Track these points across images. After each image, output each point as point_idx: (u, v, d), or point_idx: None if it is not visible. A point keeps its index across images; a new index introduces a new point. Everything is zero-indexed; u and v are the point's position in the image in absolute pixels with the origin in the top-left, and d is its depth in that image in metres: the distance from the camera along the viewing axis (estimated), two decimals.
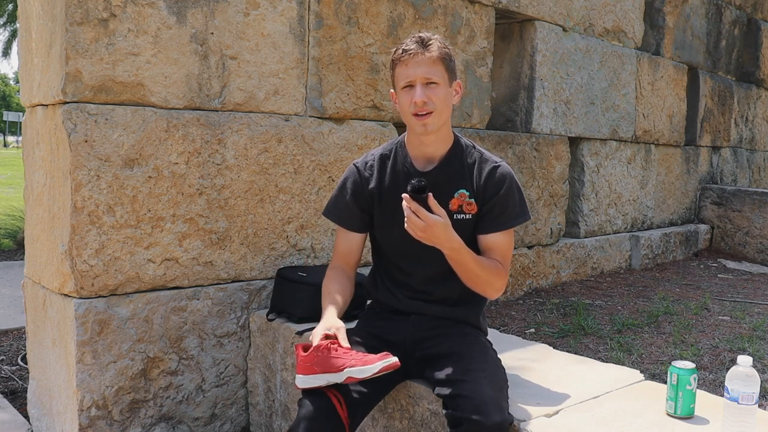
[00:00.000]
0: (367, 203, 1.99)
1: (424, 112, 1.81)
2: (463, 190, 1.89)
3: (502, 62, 4.34)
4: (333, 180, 2.98)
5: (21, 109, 42.72)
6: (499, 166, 1.91)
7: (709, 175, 6.48)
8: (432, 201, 1.72)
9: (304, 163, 2.89)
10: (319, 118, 2.95)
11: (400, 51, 1.83)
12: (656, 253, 5.50)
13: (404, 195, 1.72)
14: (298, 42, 2.84)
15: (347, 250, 2.03)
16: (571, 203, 4.79)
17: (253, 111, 2.72)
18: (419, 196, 1.71)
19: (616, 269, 5.13)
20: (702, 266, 5.57)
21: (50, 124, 2.39)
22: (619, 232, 5.24)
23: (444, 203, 1.82)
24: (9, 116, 47.50)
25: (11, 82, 59.83)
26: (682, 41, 5.79)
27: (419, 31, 1.96)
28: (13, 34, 10.44)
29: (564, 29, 4.43)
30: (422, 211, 1.71)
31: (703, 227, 6.14)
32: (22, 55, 2.67)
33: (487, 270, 1.84)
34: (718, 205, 6.19)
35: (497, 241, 1.90)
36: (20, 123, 17.24)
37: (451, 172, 1.91)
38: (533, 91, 4.25)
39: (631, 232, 5.38)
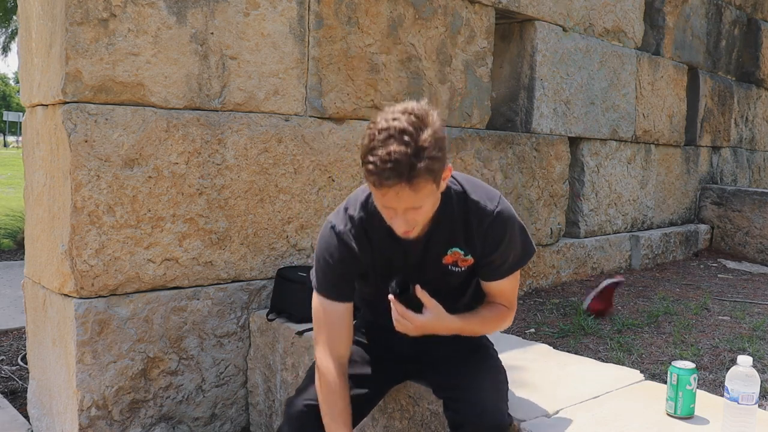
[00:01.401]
0: (358, 271, 1.75)
1: (406, 231, 1.57)
2: (456, 249, 1.68)
3: (502, 62, 4.34)
4: (333, 180, 2.98)
5: (21, 109, 42.71)
6: (495, 215, 1.64)
7: (709, 175, 6.48)
8: (420, 293, 1.61)
9: (304, 163, 2.89)
10: (319, 118, 2.95)
11: (374, 176, 1.41)
12: (656, 253, 5.50)
13: (390, 297, 1.61)
14: (298, 42, 2.84)
15: (347, 327, 1.73)
16: (571, 203, 4.79)
17: (253, 111, 2.72)
18: (406, 296, 1.62)
19: (616, 269, 5.13)
20: (702, 266, 5.56)
21: (50, 124, 2.39)
22: (619, 232, 5.24)
23: (437, 260, 1.69)
24: (9, 116, 47.50)
25: (11, 82, 59.81)
26: (682, 41, 5.79)
27: (395, 125, 1.40)
28: (12, 34, 10.45)
29: (564, 29, 4.43)
30: (408, 314, 1.61)
31: (703, 227, 6.14)
32: (22, 55, 2.67)
33: (492, 323, 1.77)
34: (718, 205, 6.18)
35: (502, 287, 1.75)
36: (20, 123, 17.23)
37: (442, 233, 1.66)
38: (533, 91, 4.25)
39: (631, 232, 5.38)
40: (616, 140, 5.08)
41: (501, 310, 1.77)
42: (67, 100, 2.26)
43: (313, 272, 1.75)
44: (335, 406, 1.66)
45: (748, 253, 5.90)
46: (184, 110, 2.52)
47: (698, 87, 6.11)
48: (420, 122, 1.42)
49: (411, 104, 1.45)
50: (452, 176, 1.65)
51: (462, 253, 1.68)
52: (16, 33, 10.36)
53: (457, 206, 1.64)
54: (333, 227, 1.69)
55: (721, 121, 6.57)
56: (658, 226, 5.77)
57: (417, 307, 1.64)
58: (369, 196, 1.68)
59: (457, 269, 1.71)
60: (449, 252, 1.68)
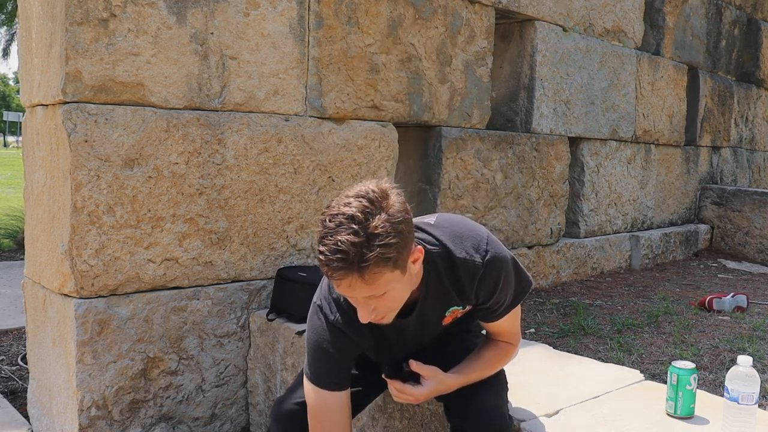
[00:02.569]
0: (355, 354, 1.68)
1: (375, 321, 1.47)
2: (455, 307, 1.62)
3: (502, 62, 4.34)
4: (333, 180, 2.98)
5: (21, 109, 42.72)
6: (485, 266, 1.53)
7: (709, 175, 6.48)
8: (415, 367, 1.59)
9: (304, 163, 2.89)
10: (319, 118, 2.95)
11: (324, 266, 1.33)
12: (656, 253, 5.50)
13: (385, 377, 1.62)
14: (298, 42, 2.84)
15: (347, 417, 1.65)
16: (571, 203, 4.79)
17: (253, 111, 2.72)
18: (400, 375, 1.61)
19: (616, 269, 5.13)
20: (702, 266, 5.56)
21: (50, 124, 2.39)
22: (619, 232, 5.24)
23: (436, 324, 1.65)
24: (9, 116, 47.49)
25: (11, 82, 59.82)
26: (682, 41, 5.79)
27: (345, 211, 1.31)
28: (13, 36, 10.45)
29: (564, 29, 4.43)
30: (407, 389, 1.59)
31: (703, 227, 6.14)
32: (22, 55, 2.67)
33: (497, 363, 1.71)
34: (718, 205, 6.18)
35: (503, 325, 1.67)
36: (20, 123, 17.23)
37: (434, 299, 1.58)
38: (533, 91, 4.25)
39: (631, 232, 5.38)
40: (616, 140, 5.08)
41: (504, 347, 1.70)
42: (67, 100, 2.26)
43: (306, 363, 1.64)
44: None
45: (748, 253, 5.90)
46: (184, 110, 2.52)
47: (698, 87, 6.11)
48: (373, 207, 1.31)
49: (368, 186, 1.35)
50: (432, 236, 1.54)
51: (461, 308, 1.62)
52: (15, 36, 10.37)
53: (443, 269, 1.53)
54: (324, 316, 1.59)
55: (721, 121, 6.57)
56: (658, 226, 5.77)
57: (414, 376, 1.63)
58: None
59: (457, 321, 1.68)
60: (448, 313, 1.62)
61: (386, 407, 2.04)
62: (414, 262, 1.42)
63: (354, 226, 1.29)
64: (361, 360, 1.82)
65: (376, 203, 1.32)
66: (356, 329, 1.57)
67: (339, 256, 1.29)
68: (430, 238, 1.54)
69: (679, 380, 1.73)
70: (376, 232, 1.30)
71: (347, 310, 1.55)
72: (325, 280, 1.62)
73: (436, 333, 1.70)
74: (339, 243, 1.28)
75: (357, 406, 1.82)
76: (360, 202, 1.31)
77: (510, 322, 1.67)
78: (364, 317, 1.42)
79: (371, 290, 1.35)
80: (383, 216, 1.31)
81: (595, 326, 3.62)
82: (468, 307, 1.63)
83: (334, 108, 3.00)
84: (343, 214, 1.30)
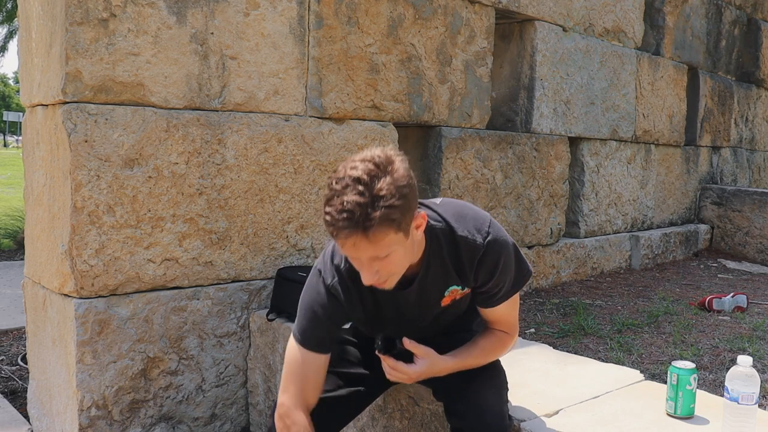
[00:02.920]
0: (345, 322, 1.73)
1: (378, 283, 1.50)
2: (454, 287, 1.63)
3: (502, 62, 4.34)
4: None
5: (21, 109, 42.71)
6: (486, 246, 1.57)
7: (709, 175, 6.48)
8: (408, 345, 1.60)
9: (304, 163, 2.89)
10: (319, 118, 2.95)
11: (330, 226, 1.37)
12: (656, 253, 5.50)
13: (378, 353, 1.62)
14: (298, 42, 2.84)
15: (322, 378, 1.69)
16: (571, 203, 4.79)
17: (253, 111, 2.72)
18: (394, 352, 1.61)
19: (616, 269, 5.13)
20: (702, 266, 5.56)
21: (50, 124, 2.39)
22: (619, 232, 5.24)
23: (435, 305, 1.66)
24: (9, 116, 47.49)
25: (11, 82, 59.81)
26: (682, 41, 5.79)
27: (351, 173, 1.35)
28: (11, 33, 10.44)
29: (564, 29, 4.43)
30: (400, 366, 1.61)
31: (703, 227, 6.14)
32: (22, 55, 2.67)
33: (492, 352, 1.72)
34: (718, 205, 6.18)
35: (501, 312, 1.69)
36: (20, 123, 17.23)
37: (435, 275, 1.61)
38: (533, 91, 4.25)
39: (631, 232, 5.38)
40: (616, 140, 5.08)
41: (500, 337, 1.71)
42: (67, 100, 2.26)
43: (296, 322, 1.68)
44: None
45: (748, 253, 5.90)
46: (184, 110, 2.52)
47: (698, 87, 6.11)
48: (378, 170, 1.36)
49: (374, 152, 1.39)
50: (436, 212, 1.59)
51: (460, 288, 1.64)
52: (14, 33, 10.36)
53: (445, 246, 1.57)
54: (323, 279, 1.63)
55: (721, 121, 6.57)
56: (658, 226, 5.77)
57: (408, 356, 1.63)
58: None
59: (453, 301, 1.67)
60: (447, 293, 1.63)
61: (386, 407, 2.04)
62: (417, 228, 1.46)
63: (360, 188, 1.33)
64: (362, 360, 1.82)
65: (381, 167, 1.36)
66: (350, 298, 1.61)
67: (345, 215, 1.33)
68: (434, 214, 1.58)
69: (679, 380, 1.73)
70: (381, 194, 1.34)
71: (346, 278, 1.59)
72: (328, 248, 1.65)
73: (433, 315, 1.69)
74: (345, 203, 1.33)
75: (358, 406, 1.83)
76: (366, 165, 1.35)
77: (508, 310, 1.68)
78: (367, 279, 1.45)
79: (375, 251, 1.38)
80: (388, 179, 1.35)
81: (595, 326, 3.62)
82: (467, 290, 1.64)
83: (334, 108, 3.00)
84: (350, 176, 1.34)
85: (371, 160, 1.36)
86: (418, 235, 1.49)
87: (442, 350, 1.70)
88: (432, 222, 1.57)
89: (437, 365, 1.63)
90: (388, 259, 1.43)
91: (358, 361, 1.83)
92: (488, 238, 1.56)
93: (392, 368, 1.62)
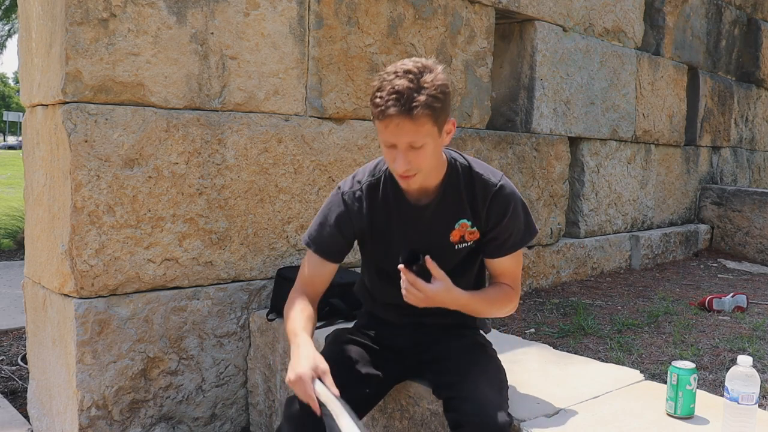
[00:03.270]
0: (353, 235, 1.83)
1: (407, 175, 1.64)
2: (464, 221, 1.75)
3: (502, 62, 4.34)
4: (333, 180, 2.98)
5: (21, 109, 42.73)
6: (500, 188, 1.73)
7: (709, 175, 6.48)
8: (430, 264, 1.65)
9: (304, 163, 2.89)
10: (319, 118, 2.95)
11: (379, 108, 1.54)
12: (656, 253, 5.50)
13: (400, 267, 1.65)
14: (298, 42, 2.84)
15: (320, 279, 1.84)
16: (571, 203, 4.79)
17: (253, 111, 2.72)
18: (416, 264, 1.64)
19: (616, 269, 5.13)
20: (702, 266, 5.57)
21: (50, 124, 2.39)
22: (619, 232, 5.24)
23: (444, 236, 1.76)
24: (9, 116, 47.51)
25: (11, 82, 59.82)
26: (682, 41, 5.79)
27: (401, 67, 1.55)
28: (9, 32, 10.46)
29: (564, 29, 4.43)
30: (419, 283, 1.64)
31: (703, 227, 6.14)
32: (22, 55, 2.67)
33: (498, 303, 1.80)
34: (718, 205, 6.19)
35: (506, 264, 1.80)
36: (20, 123, 17.23)
37: (449, 203, 1.74)
38: (533, 91, 4.25)
39: (631, 232, 5.38)
40: (616, 140, 5.08)
41: (506, 290, 1.80)
42: (67, 100, 2.26)
43: (309, 229, 1.85)
44: (293, 311, 1.78)
45: (748, 253, 5.90)
46: (184, 110, 2.52)
47: (698, 87, 6.11)
48: (426, 69, 1.55)
49: (421, 58, 1.59)
50: (458, 152, 1.78)
51: (469, 224, 1.74)
52: (12, 32, 10.36)
53: (462, 179, 1.73)
54: (340, 190, 1.81)
55: (721, 121, 6.57)
56: (658, 226, 5.77)
57: (426, 278, 1.67)
58: (377, 164, 1.81)
59: (464, 245, 1.76)
60: (457, 225, 1.74)
61: (386, 407, 2.04)
62: (447, 133, 1.64)
63: (410, 76, 1.53)
64: (370, 361, 1.82)
65: (428, 67, 1.56)
66: (360, 208, 1.77)
67: (394, 96, 1.52)
68: (456, 153, 1.78)
69: (679, 380, 1.73)
70: (426, 85, 1.53)
71: (364, 190, 1.78)
72: (352, 174, 1.84)
73: (442, 251, 1.74)
74: (395, 86, 1.52)
75: (363, 407, 1.83)
76: (415, 63, 1.56)
77: (513, 263, 1.80)
78: (400, 165, 1.60)
79: (414, 135, 1.55)
80: (433, 76, 1.55)
81: (595, 326, 3.62)
82: (476, 232, 1.75)
83: (334, 108, 3.00)
84: (401, 68, 1.55)
85: (420, 60, 1.57)
86: (446, 140, 1.65)
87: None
88: (453, 156, 1.76)
89: (452, 292, 1.68)
90: (421, 151, 1.58)
91: (365, 361, 1.84)
92: (501, 182, 1.74)
93: (411, 283, 1.65)
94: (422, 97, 1.52)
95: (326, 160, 2.97)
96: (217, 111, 2.62)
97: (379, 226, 1.78)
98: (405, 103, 1.51)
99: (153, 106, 2.44)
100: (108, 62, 2.31)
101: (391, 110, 1.52)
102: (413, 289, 1.65)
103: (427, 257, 1.65)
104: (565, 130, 4.51)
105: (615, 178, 5.13)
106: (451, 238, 1.76)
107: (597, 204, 4.96)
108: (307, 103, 2.91)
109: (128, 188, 2.39)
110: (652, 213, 5.67)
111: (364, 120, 3.14)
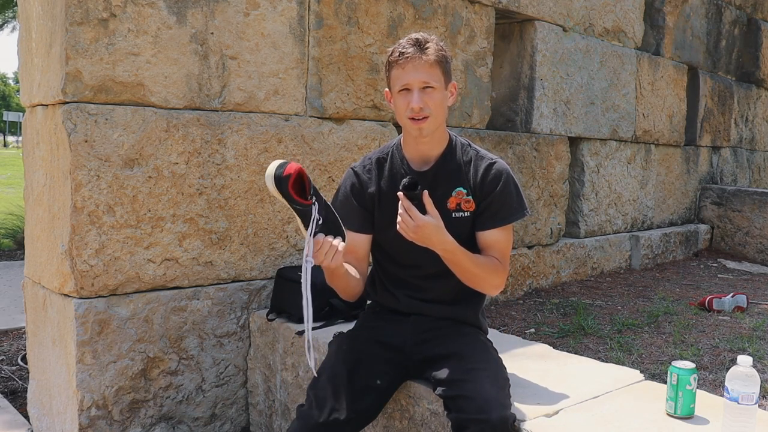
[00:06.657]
0: (369, 205, 1.95)
1: (420, 117, 1.80)
2: (461, 188, 1.88)
3: (502, 62, 4.34)
4: (333, 180, 2.98)
5: (21, 109, 42.72)
6: (495, 162, 1.90)
7: (709, 175, 6.48)
8: (426, 198, 1.73)
9: (305, 163, 2.89)
10: (319, 118, 2.95)
11: (397, 54, 1.80)
12: (656, 253, 5.50)
13: (399, 193, 1.72)
14: (298, 42, 2.84)
15: (353, 246, 1.92)
16: (571, 203, 4.79)
17: (253, 111, 2.72)
18: (413, 194, 1.71)
19: (616, 269, 5.13)
20: (702, 266, 5.56)
21: (50, 124, 2.39)
22: (619, 232, 5.24)
23: (442, 202, 1.84)
24: (9, 116, 47.50)
25: (11, 82, 59.82)
26: (682, 41, 5.79)
27: (416, 32, 1.88)
28: (2, 25, 10.48)
29: (564, 29, 4.43)
30: (414, 210, 1.71)
31: (703, 227, 6.14)
32: (22, 55, 2.67)
33: (484, 268, 1.84)
34: (718, 205, 6.18)
35: (495, 237, 1.88)
36: (20, 123, 17.22)
37: (448, 171, 1.90)
38: (533, 91, 4.25)
39: (631, 232, 5.38)
40: (616, 140, 5.08)
41: (494, 262, 1.87)
42: (67, 100, 2.26)
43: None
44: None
45: (748, 253, 5.90)
46: (184, 110, 2.52)
47: (698, 87, 6.11)
48: (431, 37, 1.82)
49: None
50: (462, 137, 1.99)
51: (465, 192, 1.88)
52: (6, 24, 10.38)
53: (462, 151, 1.93)
54: (352, 166, 2.00)
55: (721, 121, 6.57)
56: (658, 226, 5.77)
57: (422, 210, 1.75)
58: (385, 146, 2.00)
59: (460, 215, 1.87)
60: (454, 193, 1.88)
61: (386, 407, 2.04)
62: (451, 94, 1.87)
63: (422, 35, 1.82)
64: (371, 371, 1.83)
65: (433, 38, 1.83)
66: (370, 177, 1.95)
67: (411, 42, 1.79)
68: (461, 137, 1.98)
69: (679, 380, 1.73)
70: (435, 42, 1.82)
71: (373, 162, 1.96)
72: (362, 159, 2.02)
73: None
74: (411, 38, 1.80)
75: (370, 415, 1.84)
76: (421, 33, 1.84)
77: (502, 237, 1.90)
78: (416, 102, 1.78)
79: (428, 74, 1.78)
80: (437, 41, 1.83)
81: (595, 326, 3.62)
82: (471, 200, 1.87)
83: (334, 108, 3.00)
84: (412, 36, 1.82)
85: (426, 34, 1.84)
86: (450, 101, 1.87)
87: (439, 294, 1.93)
88: (457, 136, 1.97)
89: (441, 231, 1.75)
90: (433, 93, 1.79)
91: (371, 373, 1.85)
92: (496, 160, 1.92)
93: (406, 209, 1.72)
94: (434, 46, 1.80)
95: (326, 160, 2.97)
96: (217, 111, 2.62)
97: (386, 194, 1.92)
98: (421, 46, 1.78)
99: (153, 106, 2.44)
100: (108, 62, 2.31)
101: (410, 50, 1.77)
102: (407, 216, 1.72)
103: (425, 192, 1.73)
104: (565, 130, 4.51)
105: (615, 178, 5.13)
106: (448, 204, 1.87)
107: (597, 204, 4.96)
108: (307, 103, 2.91)
109: (128, 188, 2.39)
110: (652, 213, 5.67)
111: (364, 120, 3.14)
